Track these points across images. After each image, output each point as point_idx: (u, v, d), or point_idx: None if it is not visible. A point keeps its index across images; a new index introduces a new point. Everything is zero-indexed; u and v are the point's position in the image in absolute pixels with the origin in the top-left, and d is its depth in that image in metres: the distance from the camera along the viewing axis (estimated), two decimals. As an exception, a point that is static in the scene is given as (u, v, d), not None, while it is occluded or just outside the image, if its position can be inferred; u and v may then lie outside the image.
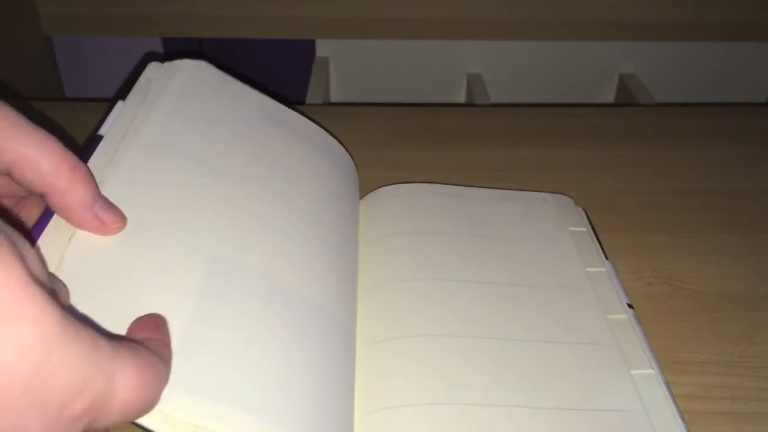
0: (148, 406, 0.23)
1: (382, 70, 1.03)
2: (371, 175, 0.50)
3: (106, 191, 0.30)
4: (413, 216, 0.45)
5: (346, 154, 0.47)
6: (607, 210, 0.50)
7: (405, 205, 0.46)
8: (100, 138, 0.34)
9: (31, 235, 0.27)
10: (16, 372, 0.18)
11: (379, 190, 0.47)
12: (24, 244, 0.20)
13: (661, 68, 1.01)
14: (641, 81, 0.99)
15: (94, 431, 0.21)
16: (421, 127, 0.60)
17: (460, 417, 0.33)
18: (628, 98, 0.97)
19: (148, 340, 0.25)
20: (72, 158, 0.27)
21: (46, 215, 0.28)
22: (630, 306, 0.40)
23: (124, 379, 0.21)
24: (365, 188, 0.48)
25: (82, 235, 0.29)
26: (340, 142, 0.47)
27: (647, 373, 0.36)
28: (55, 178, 0.27)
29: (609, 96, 1.03)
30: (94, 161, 0.32)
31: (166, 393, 0.24)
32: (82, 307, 0.26)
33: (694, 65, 1.01)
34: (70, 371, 0.19)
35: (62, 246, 0.28)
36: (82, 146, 0.32)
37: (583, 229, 0.46)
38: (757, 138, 0.59)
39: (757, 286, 0.44)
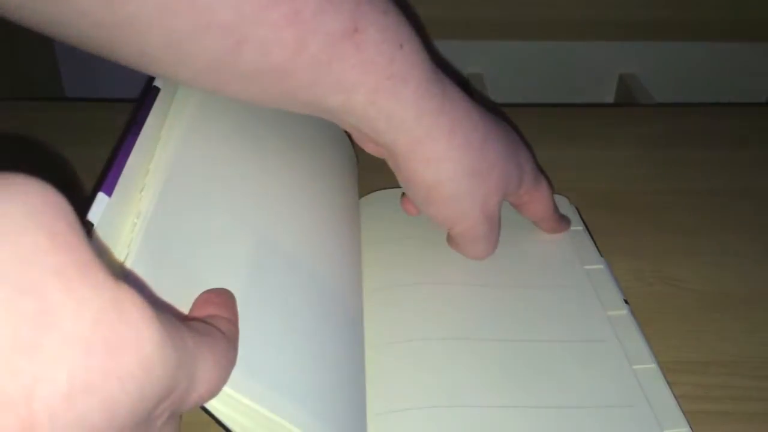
0: (217, 393, 0.23)
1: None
2: (371, 175, 0.50)
3: (161, 159, 0.30)
4: (413, 220, 0.45)
5: (350, 146, 0.48)
6: (607, 210, 0.50)
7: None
8: (157, 90, 0.33)
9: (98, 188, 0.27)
10: (120, 403, 0.17)
11: (378, 192, 0.48)
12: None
13: (661, 68, 1.01)
14: (641, 81, 0.99)
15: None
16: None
17: (466, 419, 0.33)
18: (628, 98, 0.97)
19: (216, 318, 0.25)
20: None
21: (115, 168, 0.28)
22: (626, 302, 0.40)
23: (203, 374, 0.21)
24: (365, 189, 0.48)
25: (150, 188, 0.29)
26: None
27: (649, 367, 0.36)
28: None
29: (609, 96, 1.03)
30: (145, 133, 0.31)
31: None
32: (155, 269, 0.26)
33: (694, 65, 1.01)
34: (165, 383, 0.19)
35: (136, 199, 0.28)
36: (139, 97, 0.33)
37: (580, 227, 0.46)
38: (757, 138, 0.59)
39: (757, 286, 0.44)
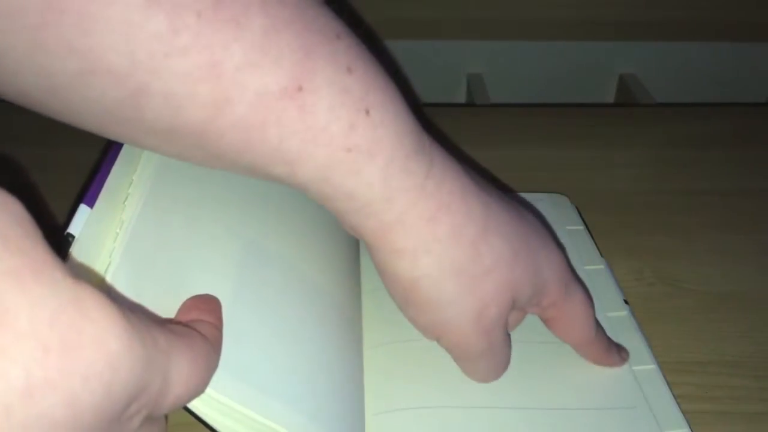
0: (197, 395, 0.23)
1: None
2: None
3: (146, 169, 0.30)
4: None
5: None
6: (607, 210, 0.50)
7: None
8: None
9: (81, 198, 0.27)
10: (84, 401, 0.17)
11: None
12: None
13: (661, 68, 1.01)
14: (641, 81, 0.99)
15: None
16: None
17: (464, 419, 0.33)
18: (628, 98, 0.97)
19: (199, 323, 0.25)
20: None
21: (98, 179, 0.28)
22: (626, 302, 0.40)
23: (178, 374, 0.21)
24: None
25: (134, 198, 0.28)
26: None
27: (649, 368, 0.36)
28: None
29: (609, 96, 1.03)
30: None
31: (214, 376, 0.24)
32: (138, 278, 0.26)
33: (694, 65, 1.01)
34: (134, 382, 0.19)
35: (119, 209, 0.28)
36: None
37: (580, 227, 0.46)
38: (757, 138, 0.59)
39: (757, 286, 0.44)
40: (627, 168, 0.55)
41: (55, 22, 0.23)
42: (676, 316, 0.41)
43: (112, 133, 0.28)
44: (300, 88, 0.26)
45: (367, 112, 0.28)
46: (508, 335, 0.34)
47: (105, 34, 0.23)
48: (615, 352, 0.36)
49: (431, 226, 0.30)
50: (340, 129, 0.27)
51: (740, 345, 0.39)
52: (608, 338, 0.36)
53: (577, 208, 0.48)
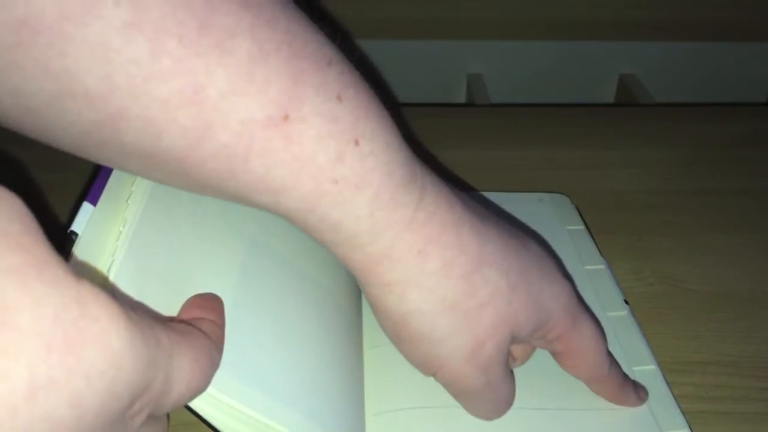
0: (199, 393, 0.23)
1: (382, 70, 1.03)
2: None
3: None
4: None
5: None
6: (607, 210, 0.50)
7: None
8: None
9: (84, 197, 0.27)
10: (88, 400, 0.17)
11: None
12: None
13: (661, 68, 1.01)
14: (641, 81, 0.99)
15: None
16: (421, 127, 0.60)
17: (464, 419, 0.33)
18: (628, 98, 0.97)
19: (201, 321, 0.25)
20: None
21: (101, 178, 0.28)
22: (626, 302, 0.40)
23: (180, 371, 0.21)
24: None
25: (137, 196, 0.28)
26: None
27: (649, 369, 0.36)
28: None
29: (609, 96, 1.03)
30: None
31: (216, 375, 0.24)
32: (141, 277, 0.26)
33: (694, 65, 1.01)
34: (137, 380, 0.19)
35: (122, 207, 0.28)
36: None
37: (581, 227, 0.46)
38: (757, 138, 0.59)
39: (757, 286, 0.44)
40: (627, 168, 0.55)
41: (29, 41, 0.22)
42: (676, 316, 0.41)
43: (91, 154, 0.27)
44: (286, 117, 0.25)
45: (356, 142, 0.27)
46: (510, 371, 0.32)
47: (81, 56, 0.22)
48: (631, 391, 0.34)
49: (420, 260, 0.29)
50: (327, 159, 0.26)
51: (740, 345, 0.39)
52: (624, 375, 0.34)
53: (577, 208, 0.48)
